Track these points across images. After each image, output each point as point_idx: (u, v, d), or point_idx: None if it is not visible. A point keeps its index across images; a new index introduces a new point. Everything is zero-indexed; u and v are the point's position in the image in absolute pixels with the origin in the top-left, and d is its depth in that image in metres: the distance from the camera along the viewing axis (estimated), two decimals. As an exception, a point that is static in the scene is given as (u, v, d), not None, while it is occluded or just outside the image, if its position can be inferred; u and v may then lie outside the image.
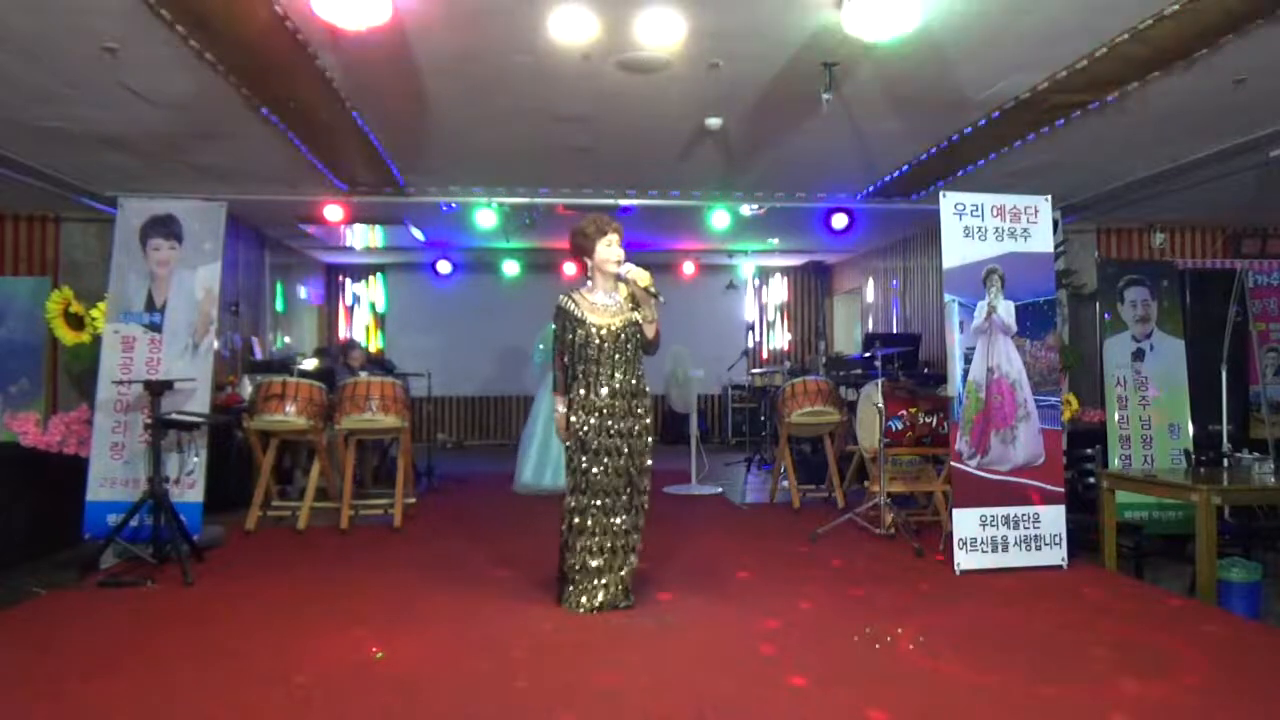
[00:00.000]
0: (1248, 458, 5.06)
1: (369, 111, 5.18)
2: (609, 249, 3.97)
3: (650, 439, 4.05)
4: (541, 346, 8.00)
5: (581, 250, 4.03)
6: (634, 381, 3.99)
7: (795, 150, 6.05)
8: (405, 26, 3.94)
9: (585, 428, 3.92)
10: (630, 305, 4.02)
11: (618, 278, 4.00)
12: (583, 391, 3.95)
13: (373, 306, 12.70)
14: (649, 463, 4.04)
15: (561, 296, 4.06)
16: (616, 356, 3.96)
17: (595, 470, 3.91)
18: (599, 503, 3.92)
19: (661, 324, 4.06)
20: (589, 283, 4.07)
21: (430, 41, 4.14)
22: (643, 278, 3.91)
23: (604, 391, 3.94)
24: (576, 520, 3.93)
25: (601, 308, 4.00)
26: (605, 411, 3.94)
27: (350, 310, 12.69)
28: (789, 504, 6.82)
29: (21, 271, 7.52)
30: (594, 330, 3.95)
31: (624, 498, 3.95)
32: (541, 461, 7.53)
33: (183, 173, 6.39)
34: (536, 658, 3.39)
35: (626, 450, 3.95)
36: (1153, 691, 3.05)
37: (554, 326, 4.08)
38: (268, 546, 5.49)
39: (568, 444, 4.00)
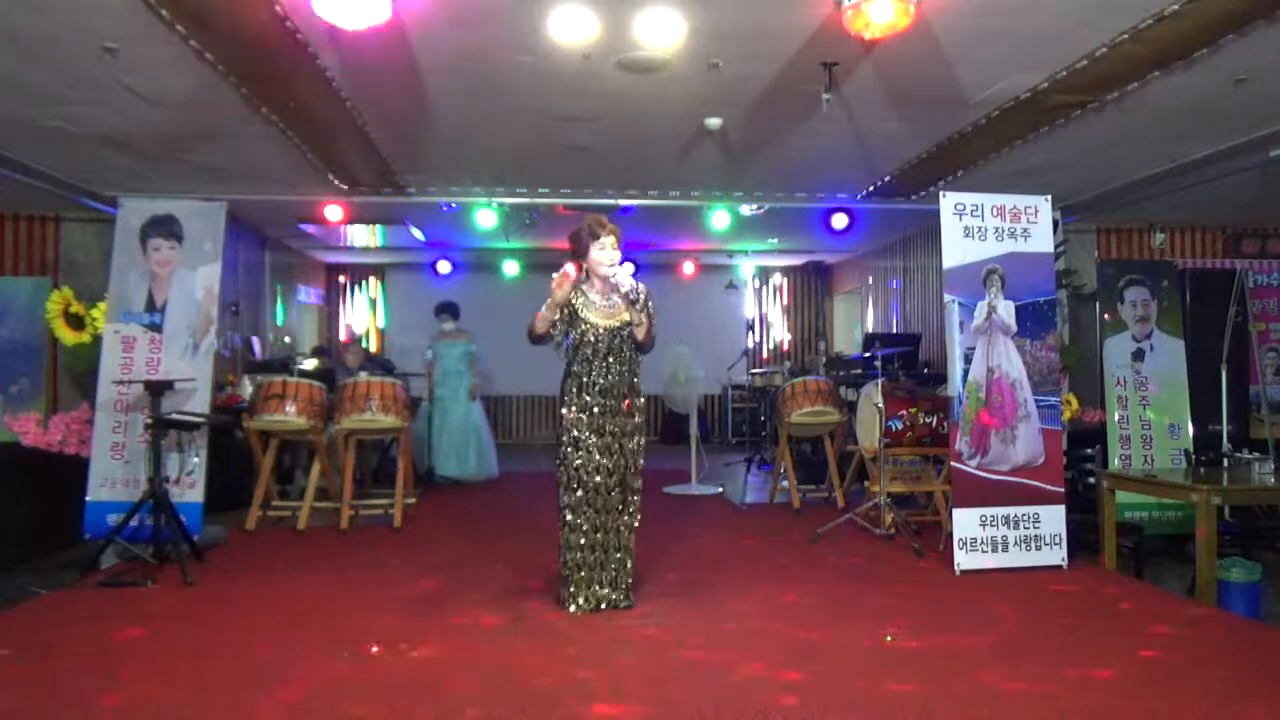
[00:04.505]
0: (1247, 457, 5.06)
1: (369, 111, 5.17)
2: (602, 252, 3.99)
3: (642, 440, 4.07)
4: (429, 354, 8.51)
5: (577, 252, 4.07)
6: (628, 382, 4.02)
7: (795, 150, 6.04)
8: (405, 26, 3.94)
9: (578, 426, 3.94)
10: (625, 306, 4.05)
11: (607, 280, 4.03)
12: (576, 389, 3.97)
13: (372, 306, 12.69)
14: (641, 463, 4.06)
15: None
16: (610, 357, 3.99)
17: (587, 468, 3.93)
18: (590, 501, 3.94)
19: (660, 324, 4.08)
20: (587, 283, 4.09)
21: (430, 41, 4.14)
22: (625, 283, 3.93)
23: (598, 390, 3.96)
24: (569, 517, 3.94)
25: (598, 308, 4.03)
26: (598, 410, 3.96)
27: (350, 310, 12.69)
28: (789, 504, 6.82)
29: (21, 271, 7.50)
30: (589, 328, 3.98)
31: (615, 496, 3.96)
32: (462, 454, 8.18)
33: (183, 173, 6.37)
34: (535, 658, 3.39)
35: (618, 449, 3.97)
36: (1152, 691, 3.05)
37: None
38: (268, 546, 5.49)
39: (561, 439, 3.99)
